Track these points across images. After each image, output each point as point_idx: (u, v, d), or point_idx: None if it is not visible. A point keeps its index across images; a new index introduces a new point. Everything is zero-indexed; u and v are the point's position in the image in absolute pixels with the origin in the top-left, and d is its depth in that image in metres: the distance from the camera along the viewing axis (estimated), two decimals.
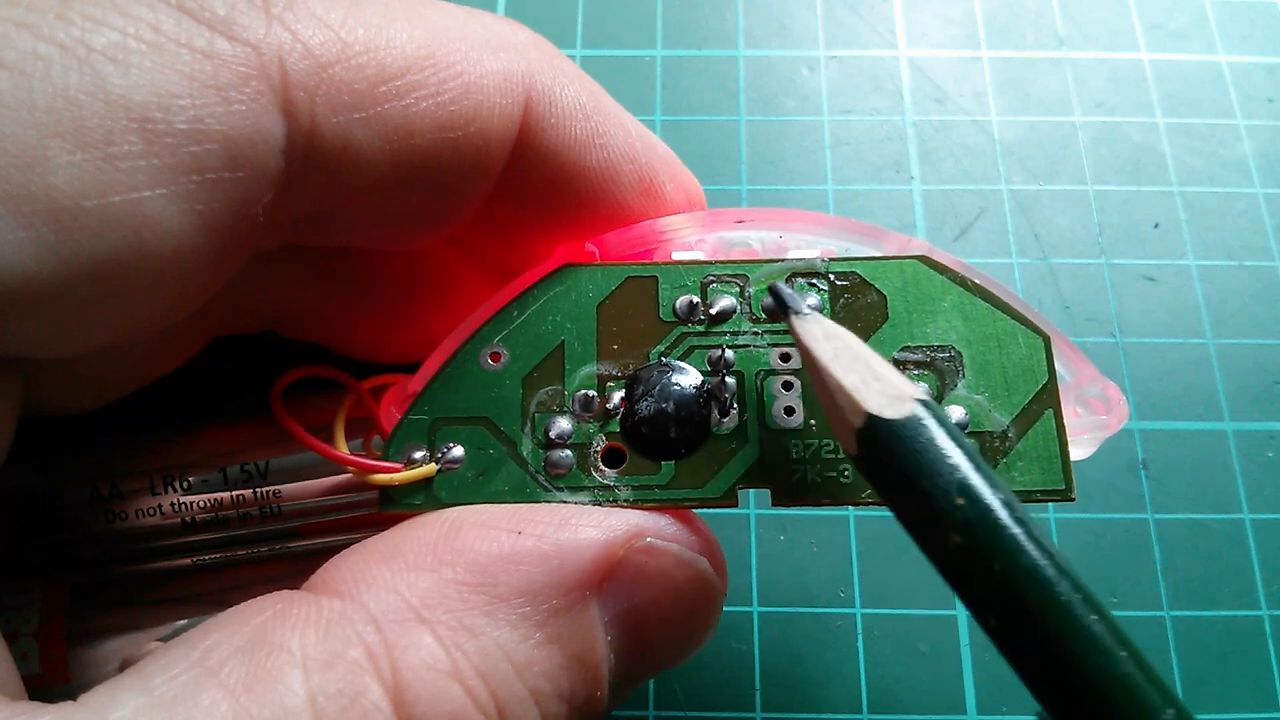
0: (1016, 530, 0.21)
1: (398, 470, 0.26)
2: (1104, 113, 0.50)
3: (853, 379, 0.23)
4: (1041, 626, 0.20)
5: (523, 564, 0.23)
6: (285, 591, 0.22)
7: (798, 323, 0.25)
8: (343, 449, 0.27)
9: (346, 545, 0.24)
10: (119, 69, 0.20)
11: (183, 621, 0.30)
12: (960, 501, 0.21)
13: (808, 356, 0.24)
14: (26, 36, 0.19)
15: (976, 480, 0.21)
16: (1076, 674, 0.20)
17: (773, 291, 0.26)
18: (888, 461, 0.22)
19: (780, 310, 0.25)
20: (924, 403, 0.22)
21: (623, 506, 0.25)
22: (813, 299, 0.27)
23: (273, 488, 0.30)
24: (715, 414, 0.26)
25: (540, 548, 0.23)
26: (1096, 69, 0.51)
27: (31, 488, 0.30)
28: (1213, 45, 0.51)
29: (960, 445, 0.22)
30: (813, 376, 0.24)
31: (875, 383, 0.23)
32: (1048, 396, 0.26)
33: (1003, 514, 0.21)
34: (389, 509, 0.26)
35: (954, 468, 0.21)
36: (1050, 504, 0.41)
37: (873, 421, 0.22)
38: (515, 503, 0.26)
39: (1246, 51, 0.51)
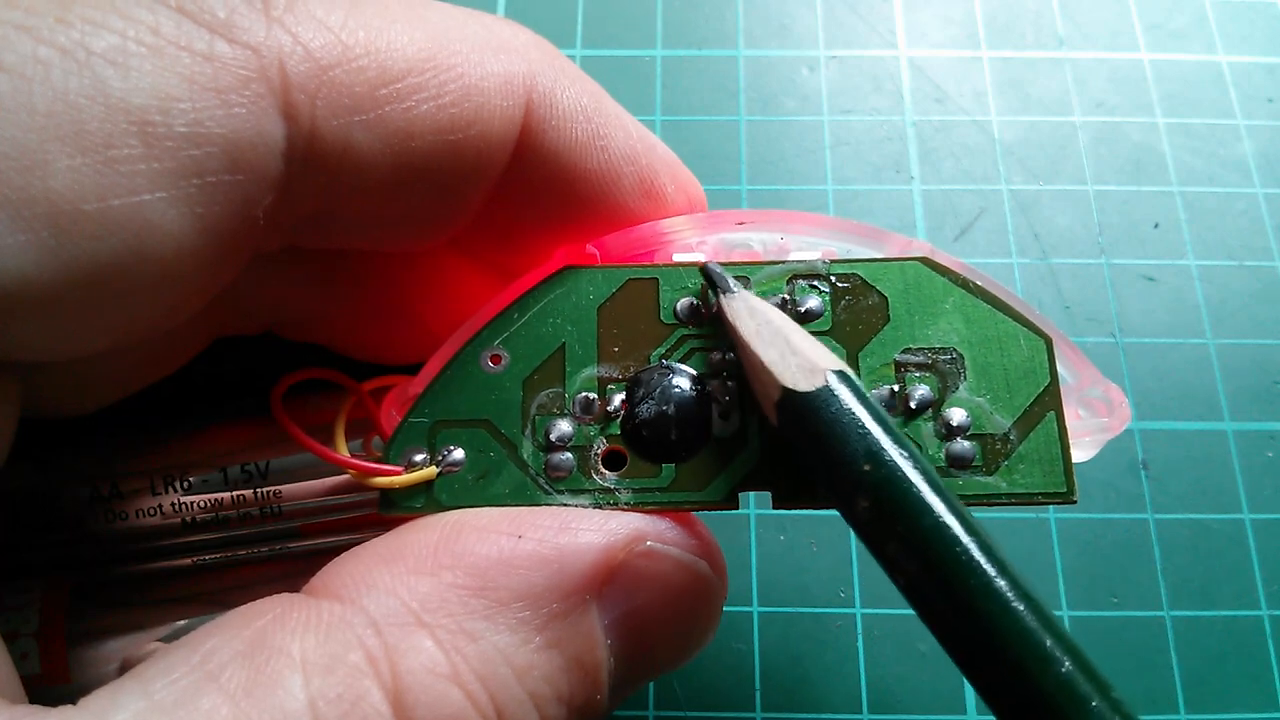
0: (922, 490, 0.22)
1: (398, 473, 0.26)
2: (1104, 113, 0.50)
3: (771, 354, 0.24)
4: (948, 585, 0.21)
5: (522, 568, 0.23)
6: (285, 595, 0.22)
7: (725, 301, 0.26)
8: (343, 451, 0.27)
9: (347, 546, 0.24)
10: (119, 72, 0.20)
11: (183, 622, 0.30)
12: (867, 467, 0.22)
13: (733, 334, 0.25)
14: (26, 40, 0.19)
15: (885, 444, 0.22)
16: (982, 630, 0.20)
17: (704, 272, 0.27)
18: (803, 431, 0.23)
19: (710, 288, 0.26)
20: (839, 373, 0.23)
21: (623, 509, 0.25)
22: (813, 300, 0.27)
23: (273, 488, 0.30)
24: (716, 416, 0.26)
25: (540, 551, 0.23)
26: (1096, 69, 0.51)
27: (31, 488, 0.30)
28: (1213, 45, 0.51)
29: (872, 413, 0.23)
30: (738, 353, 0.25)
31: (793, 356, 0.24)
32: (1049, 399, 0.26)
33: (911, 476, 0.22)
34: (389, 511, 0.26)
35: (863, 435, 0.22)
36: (1051, 505, 0.41)
37: (787, 395, 0.23)
38: (516, 505, 0.25)
39: (1246, 51, 0.51)
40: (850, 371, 0.24)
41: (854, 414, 0.23)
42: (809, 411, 0.23)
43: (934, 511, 0.21)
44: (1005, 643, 0.20)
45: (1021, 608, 0.20)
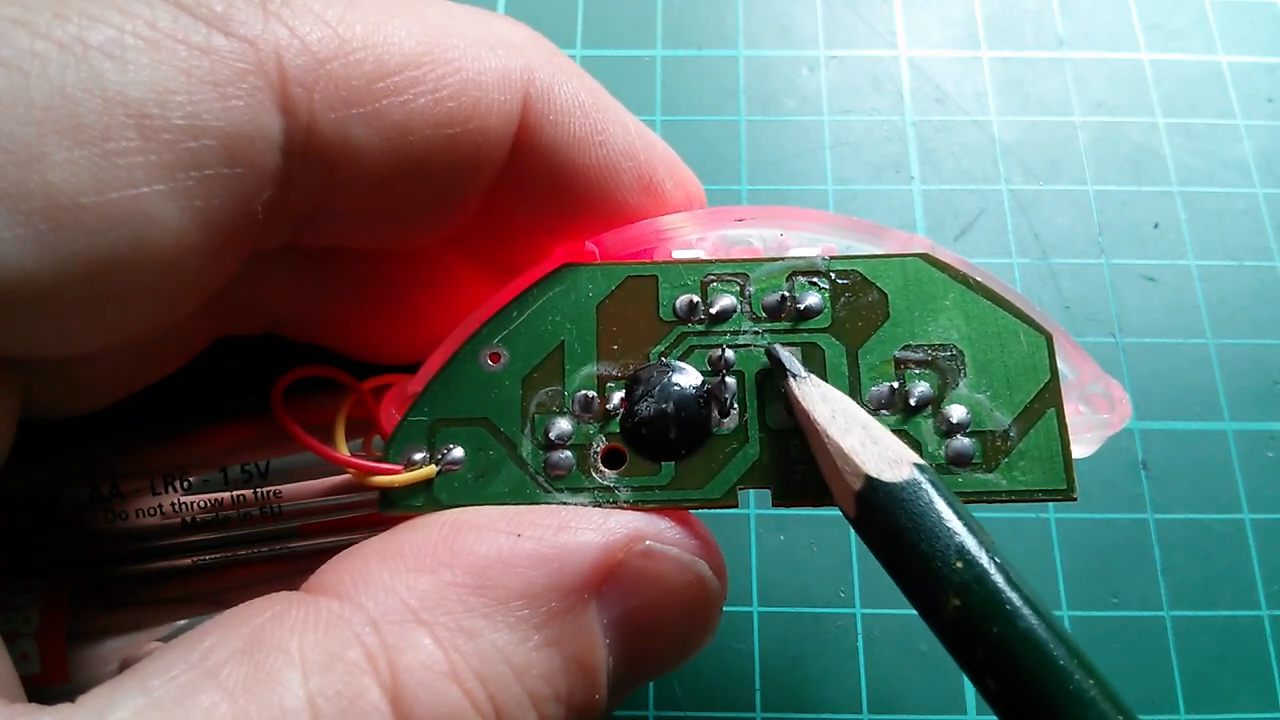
0: (1012, 594, 0.21)
1: (397, 472, 0.26)
2: (1104, 113, 0.50)
3: (851, 441, 0.24)
4: (1039, 690, 0.20)
5: (521, 566, 0.23)
6: (284, 593, 0.22)
7: (795, 386, 0.25)
8: (343, 450, 0.27)
9: (347, 545, 0.24)
10: (116, 65, 0.20)
11: (183, 621, 0.30)
12: (959, 565, 0.21)
13: (805, 420, 0.25)
14: (23, 34, 0.19)
15: (973, 544, 0.22)
16: None
17: (770, 355, 0.26)
18: (887, 524, 0.23)
19: (777, 373, 0.26)
20: (920, 466, 0.23)
21: (623, 508, 0.25)
22: (813, 297, 0.27)
23: (273, 488, 0.30)
24: (715, 414, 0.26)
25: (539, 550, 0.23)
26: (1096, 69, 0.51)
27: (31, 488, 0.30)
28: (1213, 45, 0.51)
29: (956, 510, 0.22)
30: (810, 439, 0.25)
31: (874, 445, 0.23)
32: (1050, 395, 0.26)
33: (999, 579, 0.21)
34: (389, 510, 0.26)
35: (952, 531, 0.22)
36: (1051, 504, 0.41)
37: (872, 484, 0.23)
38: (515, 504, 0.25)
39: (1246, 51, 0.51)
40: (928, 465, 0.24)
41: (943, 509, 0.22)
42: (895, 504, 0.22)
43: (1025, 615, 0.21)
44: None
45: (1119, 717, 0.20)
